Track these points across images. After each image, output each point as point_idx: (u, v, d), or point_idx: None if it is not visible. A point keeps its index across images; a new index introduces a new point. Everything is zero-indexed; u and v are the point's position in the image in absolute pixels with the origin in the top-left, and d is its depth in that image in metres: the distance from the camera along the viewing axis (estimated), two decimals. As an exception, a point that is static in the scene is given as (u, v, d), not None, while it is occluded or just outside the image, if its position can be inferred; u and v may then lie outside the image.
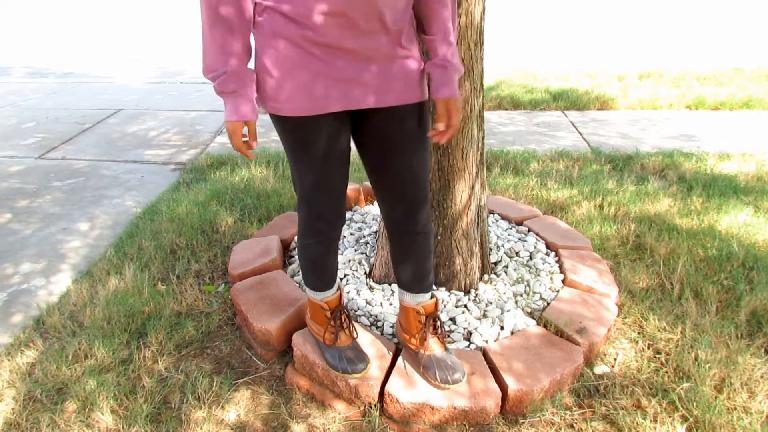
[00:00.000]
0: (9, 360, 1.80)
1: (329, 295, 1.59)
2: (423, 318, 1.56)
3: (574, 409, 1.55)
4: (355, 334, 1.64)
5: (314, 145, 1.27)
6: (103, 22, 13.13)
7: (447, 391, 1.51)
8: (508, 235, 2.35)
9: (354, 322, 1.69)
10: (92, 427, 1.52)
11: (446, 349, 1.58)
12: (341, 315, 1.60)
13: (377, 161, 1.37)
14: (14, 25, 13.05)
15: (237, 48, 1.16)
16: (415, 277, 1.54)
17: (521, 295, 1.95)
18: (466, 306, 1.89)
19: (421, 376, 1.55)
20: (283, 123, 1.26)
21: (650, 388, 1.62)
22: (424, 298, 1.57)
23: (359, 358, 1.56)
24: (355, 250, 2.22)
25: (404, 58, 1.25)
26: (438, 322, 1.58)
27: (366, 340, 1.68)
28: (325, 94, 1.20)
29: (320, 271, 1.53)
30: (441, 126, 1.30)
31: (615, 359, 1.74)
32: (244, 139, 1.25)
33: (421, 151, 1.36)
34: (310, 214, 1.42)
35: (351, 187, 2.70)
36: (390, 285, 1.99)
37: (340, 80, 1.20)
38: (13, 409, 1.60)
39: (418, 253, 1.50)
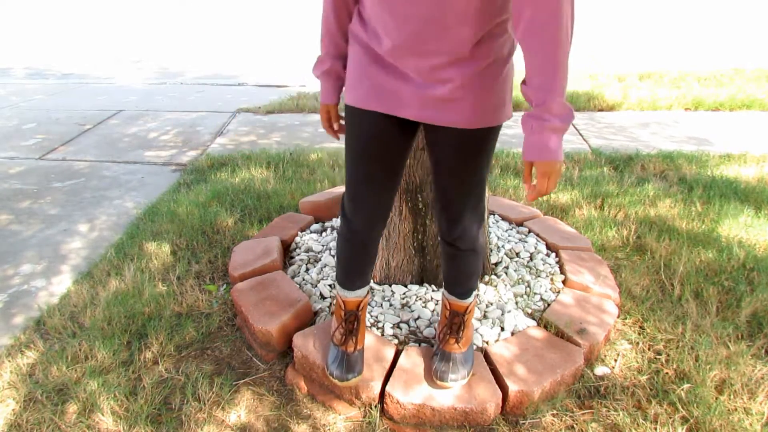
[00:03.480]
0: (9, 361, 1.80)
1: (349, 295, 1.58)
2: (448, 313, 1.61)
3: (574, 410, 1.55)
4: (359, 346, 1.60)
5: (358, 137, 1.35)
6: (103, 23, 13.15)
7: (447, 392, 1.51)
8: (509, 236, 2.35)
9: (365, 333, 1.67)
10: (93, 428, 1.52)
11: (464, 350, 1.58)
12: (354, 321, 1.59)
13: (431, 165, 1.41)
14: (14, 25, 13.07)
15: None
16: (449, 281, 1.60)
17: (521, 296, 1.95)
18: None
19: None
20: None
21: (651, 389, 1.62)
22: (454, 299, 1.61)
23: (352, 367, 1.54)
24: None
25: (446, 81, 1.19)
26: (460, 323, 1.59)
27: (367, 341, 1.68)
28: (367, 93, 1.27)
29: (343, 266, 1.55)
30: (528, 188, 1.21)
31: (615, 360, 1.74)
32: None
33: (464, 173, 1.34)
34: (345, 205, 1.46)
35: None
36: (390, 286, 2.00)
37: (381, 85, 1.25)
38: (13, 410, 1.61)
39: (455, 264, 1.54)
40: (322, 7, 1.33)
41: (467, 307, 1.60)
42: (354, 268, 1.54)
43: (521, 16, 1.05)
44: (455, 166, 1.33)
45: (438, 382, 1.50)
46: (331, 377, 1.53)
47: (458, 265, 1.54)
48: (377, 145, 1.32)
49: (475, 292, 1.62)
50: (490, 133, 1.29)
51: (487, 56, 1.17)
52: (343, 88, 1.39)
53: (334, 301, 1.92)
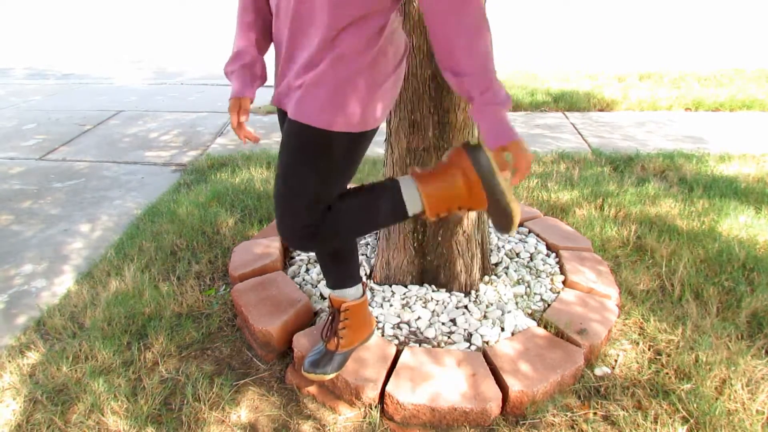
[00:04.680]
0: (10, 362, 1.80)
1: (330, 292, 1.60)
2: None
3: (574, 410, 1.55)
4: (340, 348, 1.58)
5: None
6: (103, 24, 13.15)
7: (448, 392, 1.51)
8: (509, 236, 2.35)
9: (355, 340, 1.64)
10: (93, 429, 1.52)
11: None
12: (332, 320, 1.60)
13: None
14: (14, 25, 13.07)
15: None
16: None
17: (522, 297, 1.95)
18: (466, 307, 1.89)
19: None
20: None
21: (651, 389, 1.62)
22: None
23: (323, 365, 1.55)
24: (356, 252, 2.22)
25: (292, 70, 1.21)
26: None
27: (367, 342, 1.68)
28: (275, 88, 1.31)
29: (319, 262, 1.57)
30: (507, 174, 1.16)
31: (616, 360, 1.74)
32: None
33: (286, 167, 1.24)
34: None
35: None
36: (391, 287, 2.00)
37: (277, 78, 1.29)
38: (14, 411, 1.61)
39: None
40: (238, 3, 1.33)
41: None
42: (325, 265, 1.56)
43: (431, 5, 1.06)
44: (281, 155, 1.25)
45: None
46: (302, 366, 1.57)
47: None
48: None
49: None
50: (321, 138, 1.18)
51: (332, 52, 1.13)
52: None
53: None
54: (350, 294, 1.58)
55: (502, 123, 1.09)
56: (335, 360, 1.56)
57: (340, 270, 1.55)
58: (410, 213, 1.30)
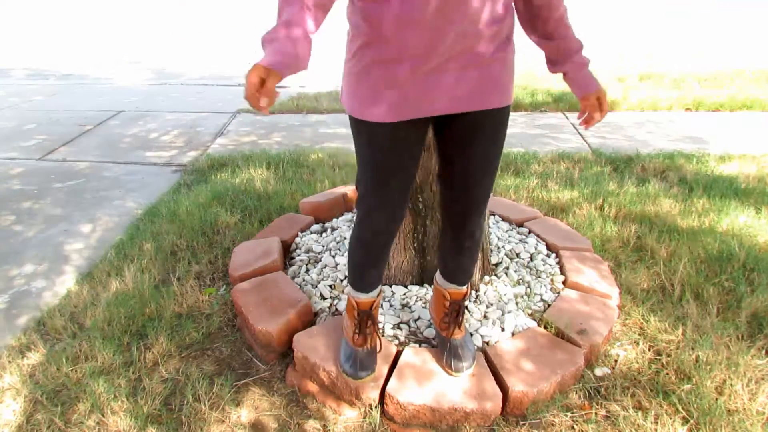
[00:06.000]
0: (10, 362, 1.80)
1: (362, 296, 1.58)
2: (447, 303, 1.62)
3: (575, 410, 1.55)
4: (372, 344, 1.59)
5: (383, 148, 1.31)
6: (103, 24, 13.15)
7: (448, 392, 1.51)
8: (509, 236, 2.35)
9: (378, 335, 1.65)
10: (93, 429, 1.52)
11: (464, 333, 1.63)
12: (368, 320, 1.59)
13: (448, 158, 1.39)
14: (14, 26, 13.07)
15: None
16: (454, 271, 1.59)
17: (522, 297, 1.95)
18: (466, 307, 1.89)
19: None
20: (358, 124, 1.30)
21: (651, 390, 1.62)
22: (454, 287, 1.61)
23: (365, 366, 1.55)
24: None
25: (481, 63, 1.23)
26: (461, 311, 1.62)
27: (367, 342, 1.68)
28: (391, 105, 1.22)
29: (359, 270, 1.55)
30: (598, 116, 1.35)
31: (616, 360, 1.74)
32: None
33: (494, 157, 1.38)
34: (368, 209, 1.41)
35: (352, 188, 2.70)
36: (391, 287, 2.00)
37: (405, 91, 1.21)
38: (14, 411, 1.61)
39: (463, 256, 1.55)
40: None
41: (466, 293, 1.62)
42: (371, 271, 1.54)
43: None
44: (485, 152, 1.33)
45: (454, 373, 1.55)
46: (344, 375, 1.54)
47: (465, 256, 1.55)
48: (401, 151, 1.31)
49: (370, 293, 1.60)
50: (508, 112, 1.36)
51: (507, 31, 1.24)
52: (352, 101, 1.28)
53: (335, 302, 1.92)
54: (376, 294, 1.60)
55: (591, 76, 1.34)
56: (371, 358, 1.58)
57: (382, 273, 1.56)
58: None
